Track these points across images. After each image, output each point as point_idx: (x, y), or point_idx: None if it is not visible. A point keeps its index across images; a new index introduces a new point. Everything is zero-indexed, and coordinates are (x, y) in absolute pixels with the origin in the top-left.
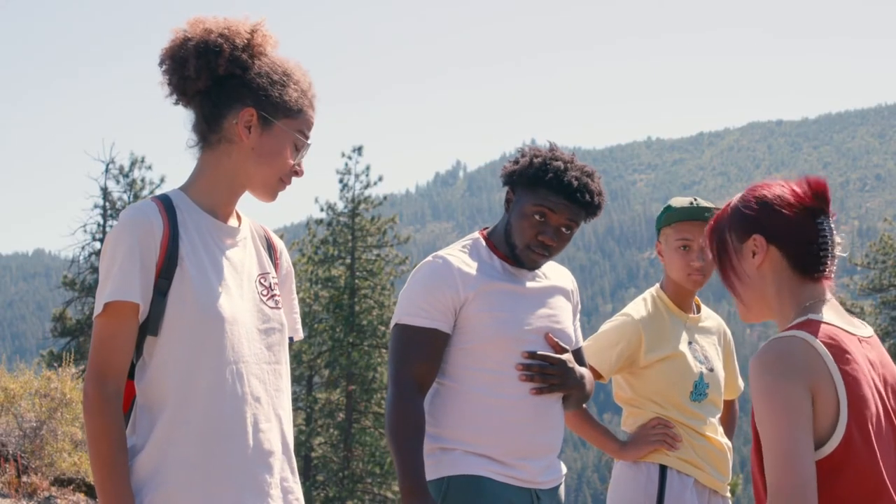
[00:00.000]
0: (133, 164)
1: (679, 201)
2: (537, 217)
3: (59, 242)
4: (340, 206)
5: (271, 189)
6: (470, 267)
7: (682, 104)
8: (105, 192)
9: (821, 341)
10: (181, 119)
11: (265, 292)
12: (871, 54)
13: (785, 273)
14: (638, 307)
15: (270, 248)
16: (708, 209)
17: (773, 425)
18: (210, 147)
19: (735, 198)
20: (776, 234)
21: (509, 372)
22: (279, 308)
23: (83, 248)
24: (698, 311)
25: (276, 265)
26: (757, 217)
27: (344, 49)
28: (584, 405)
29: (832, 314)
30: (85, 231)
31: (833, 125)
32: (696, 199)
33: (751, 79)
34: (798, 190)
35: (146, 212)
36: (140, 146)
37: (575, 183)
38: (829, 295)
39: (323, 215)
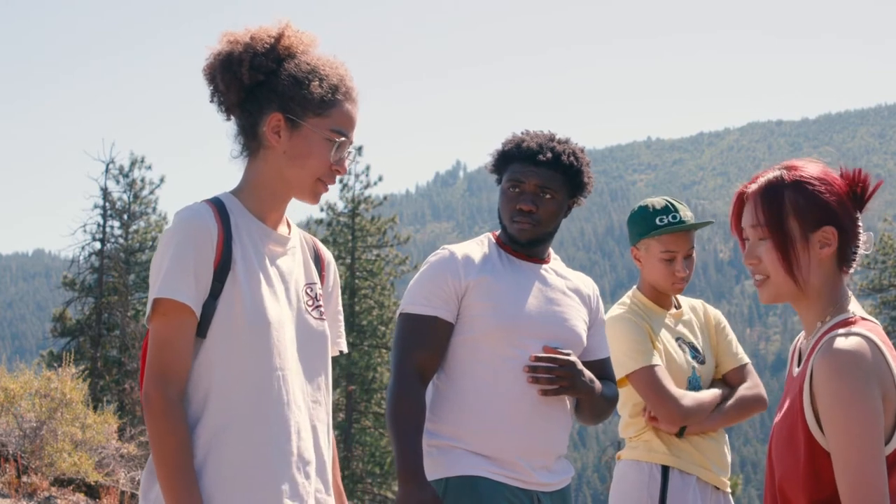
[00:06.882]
0: (133, 164)
1: (654, 204)
2: (512, 190)
3: (59, 242)
4: (340, 206)
5: (310, 191)
6: (475, 256)
7: (682, 104)
8: (105, 192)
9: (879, 339)
10: (181, 120)
11: (310, 302)
12: (870, 54)
13: (832, 265)
14: (620, 316)
15: (318, 260)
16: (690, 223)
17: (851, 441)
18: (252, 155)
19: (783, 174)
20: (844, 226)
21: (505, 364)
22: (323, 319)
23: (83, 248)
24: (678, 305)
25: (322, 277)
26: (831, 207)
27: (343, 49)
28: (604, 419)
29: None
30: (85, 231)
31: (833, 125)
32: (669, 201)
33: (751, 79)
34: (853, 177)
35: (202, 214)
36: (140, 146)
37: (535, 146)
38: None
39: (323, 215)
